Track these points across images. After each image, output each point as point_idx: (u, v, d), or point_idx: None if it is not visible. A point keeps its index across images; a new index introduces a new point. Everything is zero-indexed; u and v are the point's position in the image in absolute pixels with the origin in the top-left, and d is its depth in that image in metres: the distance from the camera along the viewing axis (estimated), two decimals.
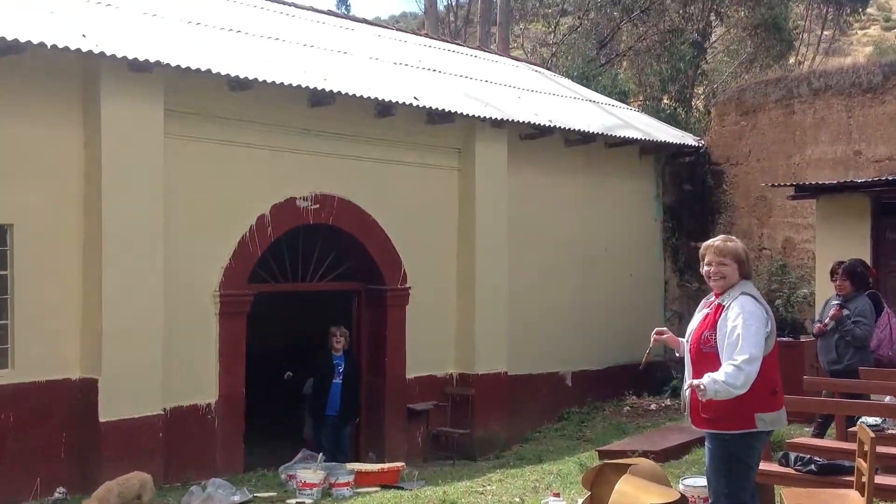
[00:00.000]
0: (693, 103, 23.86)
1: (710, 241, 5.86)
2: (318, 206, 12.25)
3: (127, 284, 10.26)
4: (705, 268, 5.79)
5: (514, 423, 13.89)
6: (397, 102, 12.24)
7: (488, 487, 8.59)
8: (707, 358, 5.60)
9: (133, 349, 10.29)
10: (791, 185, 13.17)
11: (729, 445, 5.52)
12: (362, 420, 12.95)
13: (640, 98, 24.60)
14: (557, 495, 6.87)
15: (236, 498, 8.46)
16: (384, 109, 12.37)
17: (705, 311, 5.79)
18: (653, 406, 13.14)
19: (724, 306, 5.63)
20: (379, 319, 13.12)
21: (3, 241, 9.93)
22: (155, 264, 10.52)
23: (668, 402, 13.29)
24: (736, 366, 5.34)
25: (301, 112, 11.84)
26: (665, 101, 23.59)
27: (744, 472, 5.54)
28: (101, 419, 10.07)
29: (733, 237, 5.90)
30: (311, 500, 8.39)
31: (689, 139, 16.82)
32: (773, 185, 13.76)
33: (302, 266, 12.60)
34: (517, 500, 7.82)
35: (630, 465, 7.05)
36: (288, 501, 8.42)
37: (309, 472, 8.78)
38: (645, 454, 9.50)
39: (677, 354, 6.04)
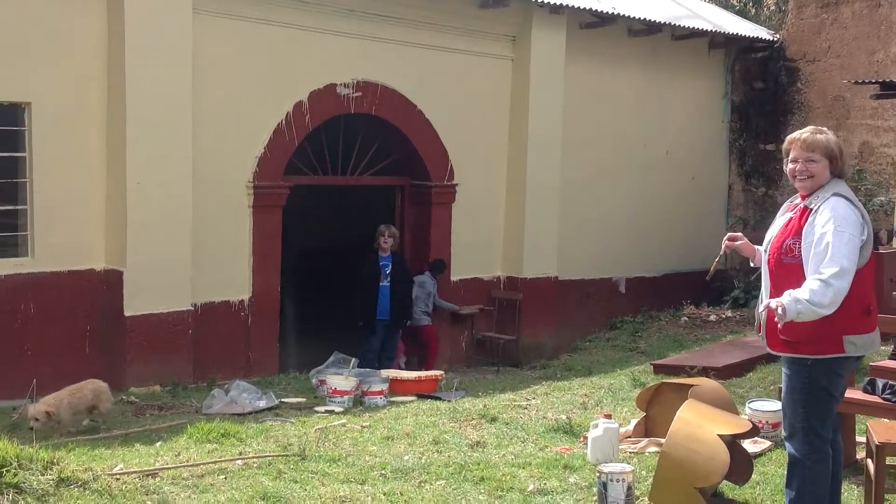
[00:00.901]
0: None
1: (795, 134, 4.94)
2: (360, 94, 11.43)
3: (153, 171, 9.62)
4: (790, 165, 4.89)
5: (563, 330, 13.21)
6: None
7: (532, 401, 7.92)
8: (789, 270, 4.76)
9: (160, 240, 9.70)
10: (876, 82, 12.06)
11: (811, 372, 4.72)
12: None
13: None
14: (609, 417, 6.15)
15: (262, 403, 7.87)
16: None
17: (788, 215, 4.93)
18: (712, 317, 12.32)
19: (811, 209, 4.76)
20: (423, 217, 12.40)
21: (21, 120, 9.29)
22: (183, 150, 9.85)
23: (728, 313, 12.46)
24: (823, 280, 4.50)
25: None
26: None
27: (826, 403, 4.76)
28: (127, 313, 9.57)
29: (824, 129, 4.97)
30: (340, 409, 7.77)
31: (762, 32, 15.62)
32: (856, 82, 12.62)
33: (342, 158, 11.85)
34: (563, 417, 7.13)
35: (691, 385, 6.34)
36: (317, 409, 7.80)
37: (340, 379, 8.15)
38: (704, 371, 8.77)
39: (752, 264, 5.21)
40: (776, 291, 4.77)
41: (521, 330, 12.81)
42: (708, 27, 14.53)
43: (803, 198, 4.87)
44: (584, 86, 13.61)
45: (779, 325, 4.60)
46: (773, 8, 22.10)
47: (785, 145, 4.96)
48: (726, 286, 15.15)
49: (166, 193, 9.72)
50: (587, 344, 11.62)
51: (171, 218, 9.77)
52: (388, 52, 11.58)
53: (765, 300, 4.87)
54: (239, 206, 10.60)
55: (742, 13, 19.53)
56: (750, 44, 15.37)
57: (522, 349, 12.81)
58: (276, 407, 7.93)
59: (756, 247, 5.14)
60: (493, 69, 12.70)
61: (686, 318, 12.35)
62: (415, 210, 12.46)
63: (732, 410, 5.98)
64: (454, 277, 12.55)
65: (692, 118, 15.29)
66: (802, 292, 4.51)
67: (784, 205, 5.05)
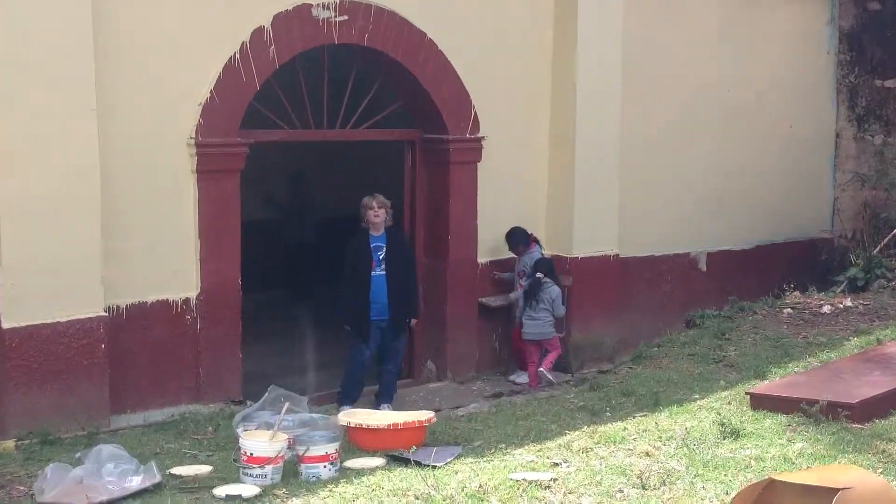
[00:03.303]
0: None
1: None
2: (345, 17, 8.56)
3: (35, 126, 6.94)
4: None
5: (626, 323, 10.33)
6: None
7: (561, 469, 5.05)
8: None
9: (52, 224, 7.06)
10: None
11: None
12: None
13: None
14: None
15: (134, 481, 5.05)
16: None
17: None
18: (825, 308, 9.19)
19: None
20: (440, 181, 9.52)
21: None
22: (82, 96, 7.12)
23: (847, 301, 9.30)
24: None
25: None
26: None
27: None
28: (5, 325, 6.92)
29: None
30: (255, 490, 4.96)
31: None
32: None
33: (329, 106, 9.01)
34: None
35: (830, 489, 3.41)
36: (216, 491, 5.01)
37: (260, 440, 5.28)
38: (831, 408, 5.80)
39: None
40: None
41: (570, 324, 9.95)
42: None
43: None
44: (650, 13, 10.62)
45: None
46: None
47: None
48: (834, 258, 12.12)
49: (60, 157, 7.01)
50: (655, 350, 8.63)
51: (67, 193, 7.07)
52: None
53: None
54: (177, 171, 7.86)
55: None
56: None
57: (574, 350, 9.99)
58: (155, 488, 5.13)
59: None
60: None
61: (790, 311, 9.23)
62: (429, 172, 9.59)
63: None
64: (481, 259, 9.71)
65: (789, 51, 12.18)
66: None
67: None
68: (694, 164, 11.25)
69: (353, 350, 8.52)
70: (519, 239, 9.63)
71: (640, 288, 10.82)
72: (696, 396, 6.87)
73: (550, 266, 9.50)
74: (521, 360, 9.74)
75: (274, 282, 12.45)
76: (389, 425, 5.84)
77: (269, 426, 5.51)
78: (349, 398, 8.51)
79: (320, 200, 13.17)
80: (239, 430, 5.68)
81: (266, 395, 6.03)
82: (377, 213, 8.38)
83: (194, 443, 6.29)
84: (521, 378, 9.68)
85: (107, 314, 7.34)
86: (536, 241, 9.70)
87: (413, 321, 8.81)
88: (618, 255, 10.38)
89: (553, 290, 9.37)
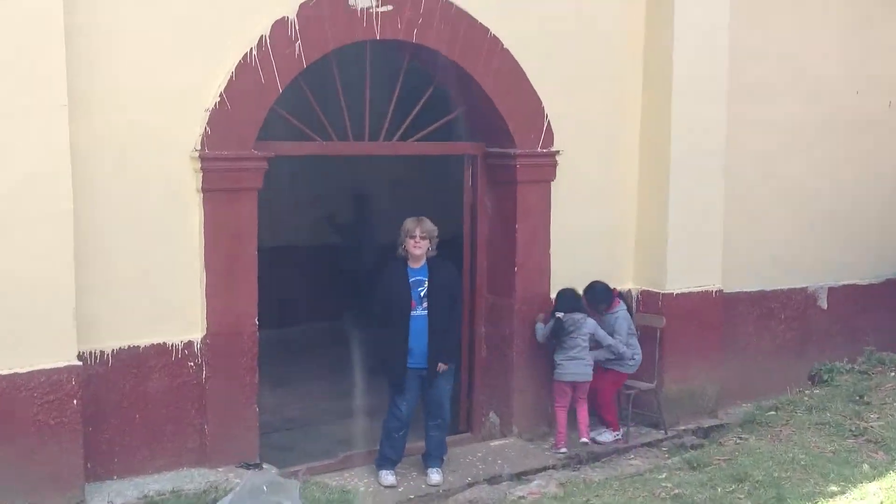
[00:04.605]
0: None
1: None
2: (389, 8, 7.18)
3: None
4: None
5: (730, 371, 8.87)
6: None
7: None
8: None
9: (9, 250, 5.77)
10: None
11: None
12: (478, 364, 8.06)
13: None
14: None
15: None
16: None
17: None
18: None
19: None
20: (505, 203, 8.06)
21: None
22: (52, 93, 5.85)
23: None
24: None
25: None
26: None
27: None
28: None
29: None
30: None
31: None
32: None
33: (371, 114, 7.61)
34: None
35: None
36: None
37: None
38: None
39: None
40: None
41: (663, 373, 8.47)
42: None
43: None
44: (761, 4, 9.10)
45: None
46: None
47: None
48: None
49: (16, 164, 5.76)
50: (772, 415, 6.89)
51: (27, 205, 5.81)
52: None
53: None
54: (179, 189, 6.56)
55: None
56: None
57: (666, 402, 8.51)
58: None
59: None
60: None
61: None
62: (493, 192, 8.14)
63: None
64: (555, 295, 8.18)
65: None
66: None
67: None
68: (813, 182, 9.71)
69: (389, 404, 7.11)
70: (601, 297, 8.13)
71: (748, 329, 9.30)
72: (834, 489, 5.20)
73: (572, 298, 7.96)
74: (604, 415, 8.21)
75: (337, 311, 11.23)
76: None
77: None
78: (388, 461, 7.18)
79: (385, 223, 11.83)
80: None
81: (245, 481, 4.60)
82: (418, 244, 6.93)
83: None
84: (604, 436, 8.15)
85: (81, 363, 6.03)
86: (621, 297, 8.19)
87: (441, 366, 7.17)
88: (720, 290, 8.79)
89: (587, 324, 7.87)
